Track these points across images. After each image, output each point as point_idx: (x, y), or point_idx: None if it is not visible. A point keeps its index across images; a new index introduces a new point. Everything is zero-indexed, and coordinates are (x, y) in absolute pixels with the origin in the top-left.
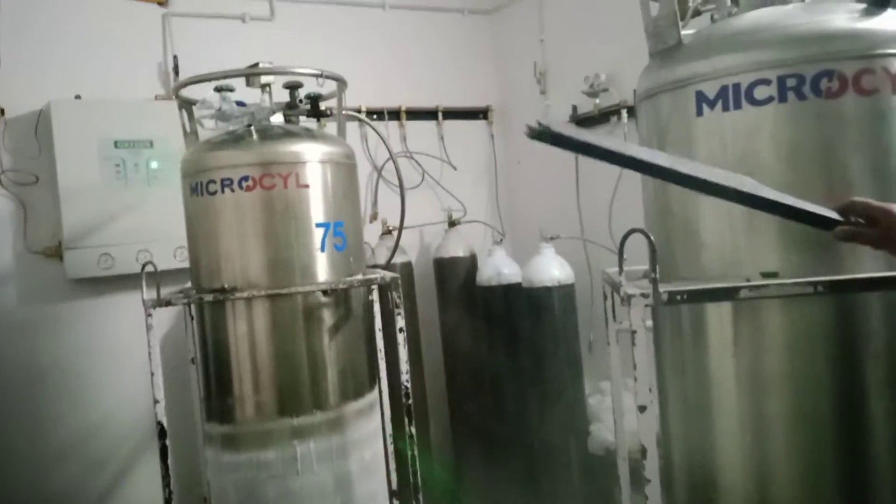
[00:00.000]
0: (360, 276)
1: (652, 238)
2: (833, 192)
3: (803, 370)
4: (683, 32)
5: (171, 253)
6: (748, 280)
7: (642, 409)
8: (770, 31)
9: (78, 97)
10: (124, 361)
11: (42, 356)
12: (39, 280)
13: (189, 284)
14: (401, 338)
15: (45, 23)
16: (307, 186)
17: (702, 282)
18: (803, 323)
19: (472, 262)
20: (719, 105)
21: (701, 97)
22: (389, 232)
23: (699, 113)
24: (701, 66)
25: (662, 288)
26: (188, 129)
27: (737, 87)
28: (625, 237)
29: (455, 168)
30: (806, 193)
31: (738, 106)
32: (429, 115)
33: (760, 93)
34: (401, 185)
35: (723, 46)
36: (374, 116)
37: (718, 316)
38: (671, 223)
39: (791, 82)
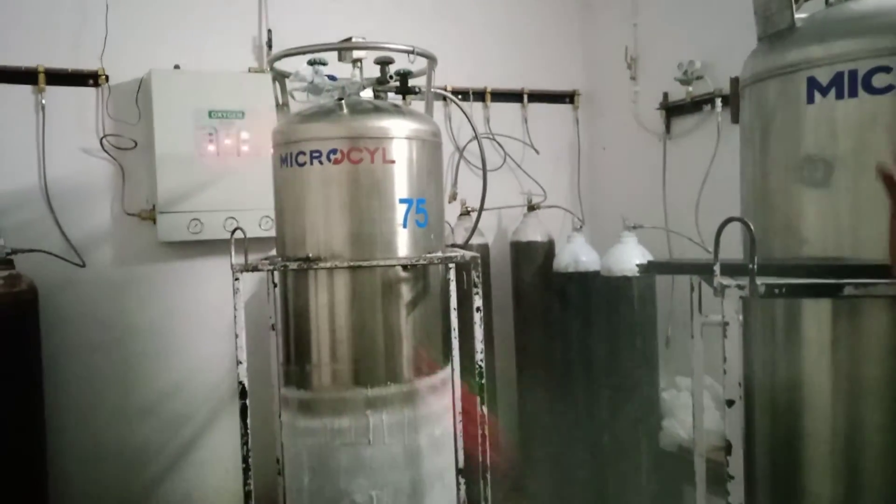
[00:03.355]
0: (439, 254)
1: (752, 227)
2: None
3: None
4: (796, 15)
5: (257, 222)
6: None
7: (730, 403)
8: (893, 15)
9: (177, 67)
10: (207, 324)
11: (132, 315)
12: (133, 242)
13: (272, 252)
14: (477, 317)
15: None
16: (393, 162)
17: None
18: None
19: (549, 248)
20: (832, 92)
21: (813, 83)
22: (468, 213)
23: (810, 100)
24: (815, 50)
25: (759, 280)
26: (280, 101)
27: (853, 73)
28: (723, 225)
29: (538, 152)
30: None
31: (853, 94)
32: (514, 97)
33: (879, 81)
34: (483, 167)
35: (840, 30)
36: (459, 96)
37: (816, 314)
38: (770, 216)
39: None
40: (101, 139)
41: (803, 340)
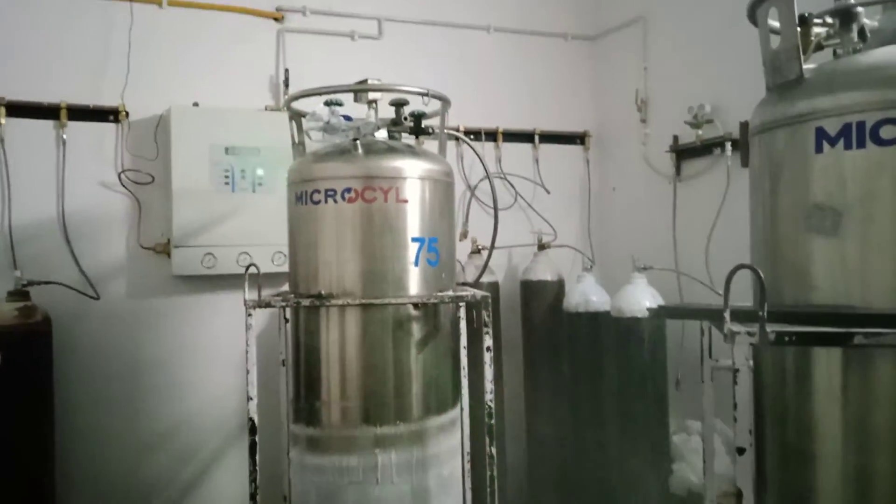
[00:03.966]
0: (450, 293)
1: (762, 275)
2: None
3: None
4: (805, 66)
5: (269, 257)
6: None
7: (741, 451)
8: None
9: (195, 104)
10: (218, 358)
11: (144, 347)
12: (147, 275)
13: (284, 288)
14: (487, 357)
15: (171, 34)
16: (406, 201)
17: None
18: None
19: (559, 287)
20: (841, 143)
21: (821, 134)
22: (479, 251)
23: (818, 150)
24: (823, 101)
25: (770, 328)
26: (296, 140)
27: (861, 125)
28: (732, 272)
29: (548, 191)
30: None
31: (861, 145)
32: (525, 137)
33: (887, 132)
34: (495, 206)
35: (848, 82)
36: (472, 136)
37: (826, 361)
38: (780, 263)
39: None
40: (120, 174)
41: (814, 388)
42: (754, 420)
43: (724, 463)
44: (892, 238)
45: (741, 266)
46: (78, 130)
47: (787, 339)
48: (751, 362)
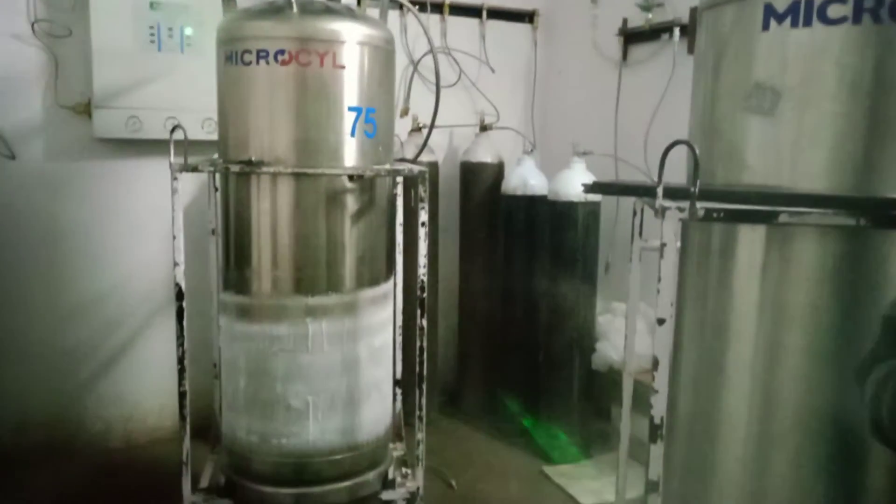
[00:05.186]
0: (387, 166)
1: (697, 150)
2: (890, 130)
3: (827, 306)
4: None
5: (199, 123)
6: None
7: (661, 321)
8: None
9: None
10: (145, 227)
11: (64, 213)
12: (67, 136)
13: (215, 156)
14: (422, 232)
15: None
16: (343, 67)
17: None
18: (837, 258)
19: (499, 170)
20: (788, 20)
21: (769, 10)
22: (419, 129)
23: (765, 27)
24: None
25: (700, 205)
26: None
27: (810, 2)
28: (668, 148)
29: (493, 71)
30: (861, 126)
31: (808, 23)
32: (473, 11)
33: (834, 11)
34: (437, 82)
35: None
36: (416, 7)
37: (750, 240)
38: (716, 143)
39: (868, 3)
40: (33, 24)
41: (735, 265)
42: (677, 295)
43: (645, 343)
44: (825, 122)
45: (678, 142)
46: None
47: (715, 215)
48: (678, 240)
